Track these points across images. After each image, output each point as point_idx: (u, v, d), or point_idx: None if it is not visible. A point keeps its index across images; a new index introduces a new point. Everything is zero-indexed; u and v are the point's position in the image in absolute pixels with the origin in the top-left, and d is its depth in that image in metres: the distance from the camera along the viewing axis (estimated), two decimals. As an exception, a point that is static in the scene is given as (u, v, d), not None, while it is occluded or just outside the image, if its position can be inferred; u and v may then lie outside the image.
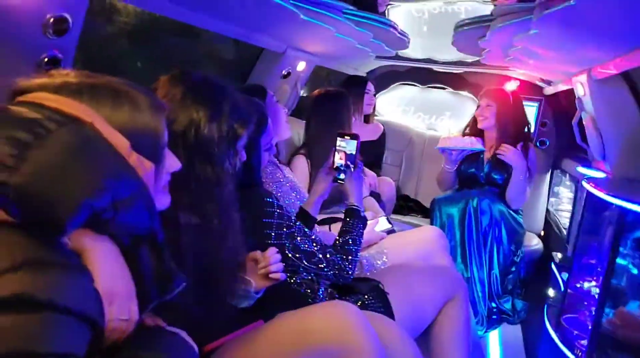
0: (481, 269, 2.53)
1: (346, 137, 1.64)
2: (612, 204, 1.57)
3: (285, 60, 2.43)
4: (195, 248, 1.03)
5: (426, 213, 3.08)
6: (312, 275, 1.42)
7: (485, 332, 2.43)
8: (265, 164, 1.49)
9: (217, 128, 1.02)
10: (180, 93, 1.02)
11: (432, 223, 2.61)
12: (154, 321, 0.89)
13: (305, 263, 1.36)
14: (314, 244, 1.39)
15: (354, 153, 1.62)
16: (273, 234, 1.31)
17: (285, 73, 2.53)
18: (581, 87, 2.05)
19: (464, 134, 2.81)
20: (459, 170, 2.79)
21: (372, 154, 3.08)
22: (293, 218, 1.38)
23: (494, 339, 2.40)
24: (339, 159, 1.64)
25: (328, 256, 1.40)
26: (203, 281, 1.04)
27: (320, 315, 1.09)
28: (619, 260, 1.86)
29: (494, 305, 2.55)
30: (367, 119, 3.15)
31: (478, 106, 2.76)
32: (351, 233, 1.50)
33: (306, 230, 1.40)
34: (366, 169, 2.85)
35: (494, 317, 2.53)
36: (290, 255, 1.34)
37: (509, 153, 2.57)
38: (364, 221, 1.56)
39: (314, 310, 1.12)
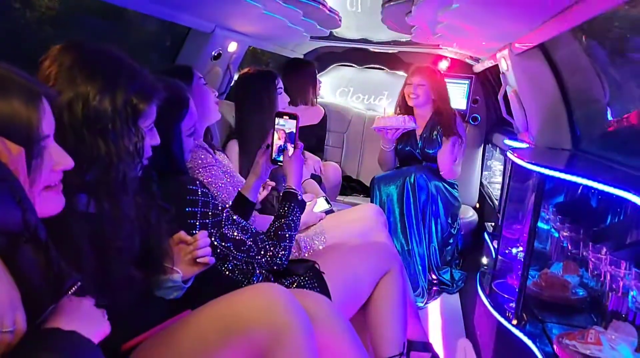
0: (421, 244, 2.61)
1: (285, 117, 1.58)
2: (533, 172, 1.65)
3: (214, 40, 2.33)
4: (94, 236, 0.94)
5: (367, 192, 3.13)
6: (244, 263, 1.38)
7: (426, 303, 2.51)
8: (190, 149, 1.42)
9: (110, 101, 0.93)
10: (69, 63, 0.93)
11: (372, 202, 2.64)
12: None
13: (235, 252, 1.33)
14: (244, 231, 1.35)
15: (293, 131, 1.57)
16: (198, 223, 1.26)
17: (216, 54, 2.43)
18: (504, 62, 2.13)
19: (397, 113, 2.85)
20: (396, 149, 2.85)
21: (314, 137, 3.07)
22: (220, 205, 1.32)
23: (434, 309, 2.49)
24: (277, 140, 1.59)
25: (259, 243, 1.37)
26: (107, 273, 0.96)
27: (245, 298, 1.05)
28: (543, 225, 1.98)
29: (434, 276, 2.65)
30: (309, 102, 3.12)
31: (406, 84, 2.79)
32: (286, 217, 1.46)
33: (235, 217, 1.35)
34: (310, 154, 2.83)
35: (434, 288, 2.63)
36: (217, 244, 1.29)
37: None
38: (301, 205, 1.54)
39: (239, 293, 1.08)
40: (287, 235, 1.43)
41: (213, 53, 2.42)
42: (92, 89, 0.92)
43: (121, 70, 0.98)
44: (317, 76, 3.21)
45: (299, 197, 1.54)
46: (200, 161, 1.73)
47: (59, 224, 0.86)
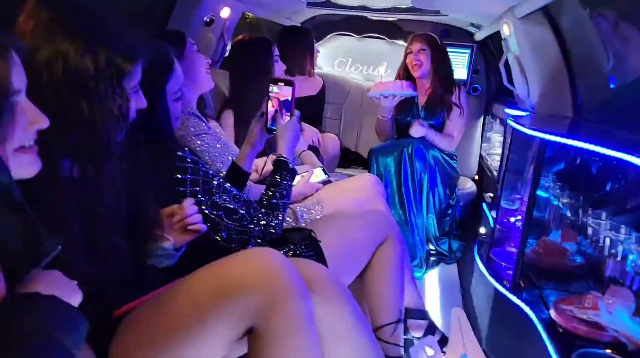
0: (419, 214, 2.59)
1: (280, 83, 1.51)
2: (533, 138, 1.61)
3: (205, 4, 2.25)
4: (78, 202, 0.91)
5: (366, 164, 3.10)
6: (237, 232, 1.36)
7: (424, 273, 2.51)
8: (178, 115, 1.38)
9: (93, 61, 0.87)
10: (47, 18, 0.87)
11: (369, 173, 2.61)
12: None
13: (226, 221, 1.30)
14: (236, 200, 1.32)
15: (289, 99, 1.51)
16: (187, 191, 1.23)
17: (208, 20, 2.36)
18: (506, 28, 2.06)
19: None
20: (395, 119, 2.80)
21: (312, 109, 3.00)
22: (211, 173, 1.29)
23: (432, 279, 2.50)
24: (271, 108, 1.53)
25: (252, 212, 1.34)
26: (94, 242, 0.94)
27: (239, 261, 1.03)
28: (542, 193, 1.96)
29: (432, 247, 2.65)
30: (306, 72, 3.04)
31: (408, 53, 2.72)
32: (278, 186, 1.43)
33: (227, 185, 1.32)
34: (308, 125, 2.78)
35: (432, 258, 2.63)
36: (207, 213, 1.26)
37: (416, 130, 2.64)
38: (292, 173, 1.50)
39: (233, 258, 1.06)
40: (279, 204, 1.40)
41: (205, 19, 2.34)
42: (72, 46, 0.86)
43: (103, 27, 0.93)
44: (315, 45, 3.12)
45: (290, 165, 1.50)
46: (192, 129, 1.69)
47: (42, 190, 0.84)
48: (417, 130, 2.63)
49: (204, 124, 1.78)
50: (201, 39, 2.40)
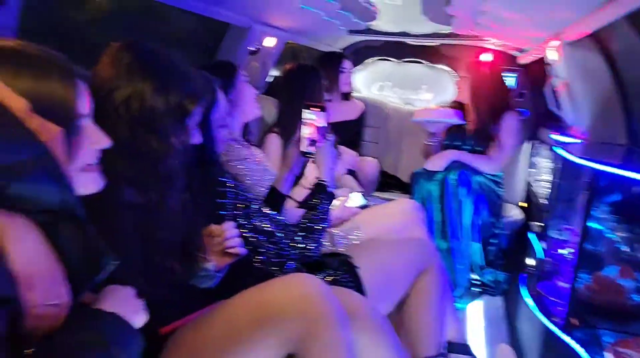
0: (462, 242, 2.51)
1: (313, 108, 1.55)
2: (585, 168, 1.54)
3: (251, 35, 2.34)
4: (139, 226, 0.98)
5: (406, 188, 3.05)
6: (275, 255, 1.38)
7: (466, 304, 2.41)
8: (223, 141, 1.43)
9: (164, 101, 0.97)
10: (127, 61, 0.97)
11: (412, 198, 2.57)
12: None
13: (265, 244, 1.32)
14: (273, 223, 1.34)
15: (323, 125, 1.54)
16: (228, 215, 1.27)
17: (253, 49, 2.44)
18: (553, 53, 2.00)
19: (447, 107, 2.76)
20: (444, 144, 2.75)
21: (351, 132, 3.02)
22: (251, 197, 1.33)
23: (475, 311, 2.39)
24: (306, 132, 1.56)
25: (290, 235, 1.36)
26: (151, 263, 0.99)
27: (279, 287, 1.04)
28: (595, 225, 1.85)
29: (475, 277, 2.55)
30: (347, 97, 3.07)
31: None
32: (316, 209, 1.45)
33: (266, 209, 1.35)
34: (347, 149, 2.79)
35: (475, 289, 2.53)
36: (247, 236, 1.29)
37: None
38: (330, 196, 1.51)
39: (274, 283, 1.07)
40: (317, 228, 1.41)
41: (251, 48, 2.43)
42: (148, 87, 0.96)
43: (175, 71, 1.02)
44: (346, 65, 3.02)
45: (328, 189, 1.51)
46: (234, 154, 1.74)
47: (107, 212, 0.92)
48: (434, 163, 2.56)
49: (246, 150, 1.83)
50: (246, 67, 2.49)
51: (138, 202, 1.00)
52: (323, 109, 1.54)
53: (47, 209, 0.69)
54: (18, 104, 0.66)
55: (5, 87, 0.66)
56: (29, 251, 0.66)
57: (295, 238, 1.37)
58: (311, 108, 1.55)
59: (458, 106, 2.73)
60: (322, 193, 1.48)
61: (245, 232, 1.29)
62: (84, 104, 0.77)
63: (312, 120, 1.54)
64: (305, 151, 1.56)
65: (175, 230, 1.06)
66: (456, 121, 2.64)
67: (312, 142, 1.54)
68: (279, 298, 1.01)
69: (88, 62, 1.01)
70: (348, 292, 1.21)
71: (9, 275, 0.60)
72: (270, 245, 1.33)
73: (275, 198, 1.62)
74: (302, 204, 2.05)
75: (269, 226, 1.33)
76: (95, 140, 0.80)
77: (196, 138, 1.10)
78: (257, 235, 1.32)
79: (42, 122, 0.68)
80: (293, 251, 1.36)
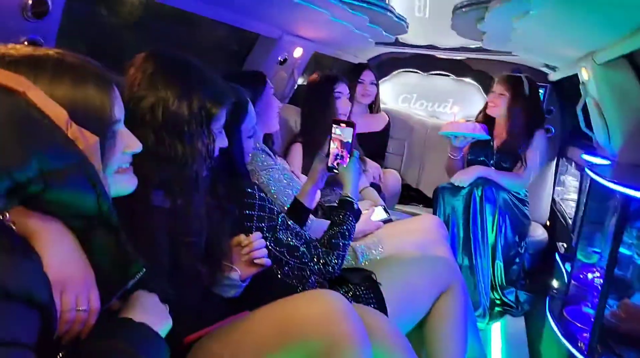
0: (485, 259, 2.47)
1: (342, 124, 1.59)
2: (616, 191, 1.50)
3: (281, 46, 2.38)
4: (166, 229, 1.00)
5: (428, 202, 3.03)
6: (297, 269, 1.39)
7: (488, 324, 2.37)
8: (250, 151, 1.45)
9: (188, 106, 0.99)
10: (151, 70, 1.00)
11: (435, 213, 2.54)
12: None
13: (288, 257, 1.34)
14: (298, 237, 1.36)
15: (349, 141, 1.57)
16: (253, 227, 1.28)
17: (282, 59, 2.48)
18: (585, 72, 1.97)
19: (474, 120, 2.74)
20: (467, 158, 2.73)
21: (376, 144, 3.01)
22: (277, 210, 1.34)
23: (496, 331, 2.35)
24: (334, 148, 1.59)
25: (312, 250, 1.37)
26: (176, 265, 1.01)
27: (303, 303, 1.05)
28: (624, 250, 1.80)
29: (497, 296, 2.50)
30: (372, 108, 3.07)
31: (491, 91, 2.68)
32: (341, 225, 1.45)
33: (289, 222, 1.37)
34: (370, 161, 2.79)
35: (497, 308, 2.48)
36: (271, 248, 1.30)
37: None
38: (357, 213, 1.52)
39: (297, 298, 1.08)
40: (340, 244, 1.42)
41: (279, 58, 2.47)
42: (171, 94, 0.99)
43: (196, 77, 1.04)
44: (372, 79, 3.00)
45: (355, 206, 1.52)
46: (260, 164, 1.77)
47: (137, 216, 0.95)
48: (461, 178, 2.52)
49: (271, 159, 1.86)
50: (274, 77, 2.53)
51: (165, 206, 1.03)
52: (352, 125, 1.57)
53: (82, 215, 0.71)
54: (58, 113, 0.68)
55: (45, 96, 0.68)
56: (62, 256, 0.68)
57: (319, 253, 1.37)
58: (340, 124, 1.58)
59: (483, 120, 2.70)
60: (348, 210, 1.48)
61: (269, 244, 1.30)
62: (119, 110, 0.79)
63: (340, 136, 1.57)
64: (331, 166, 1.59)
65: (201, 234, 1.08)
66: (482, 136, 2.61)
67: (340, 157, 1.57)
68: (303, 314, 1.02)
69: (122, 67, 1.05)
70: (370, 310, 1.22)
71: (45, 280, 0.61)
72: (292, 259, 1.34)
73: (299, 210, 1.64)
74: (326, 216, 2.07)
75: (292, 240, 1.34)
76: (128, 144, 0.82)
77: (222, 142, 1.12)
78: (280, 248, 1.33)
79: (80, 130, 0.69)
80: (315, 267, 1.37)
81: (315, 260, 1.37)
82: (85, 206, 0.70)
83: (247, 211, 1.29)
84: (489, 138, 2.65)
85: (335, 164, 1.58)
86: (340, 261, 1.41)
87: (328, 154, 1.59)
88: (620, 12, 1.26)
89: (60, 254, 0.67)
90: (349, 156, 1.57)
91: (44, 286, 0.60)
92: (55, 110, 0.67)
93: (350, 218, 1.48)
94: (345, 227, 1.45)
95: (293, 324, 1.01)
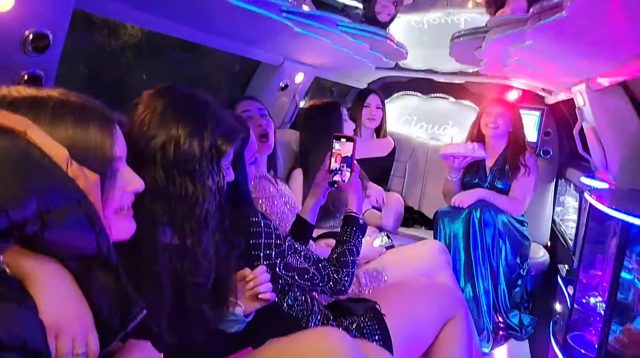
0: (487, 283, 2.46)
1: (342, 139, 1.57)
2: (615, 217, 1.52)
3: (282, 72, 2.42)
4: (172, 269, 0.99)
5: (430, 224, 3.03)
6: (307, 294, 1.38)
7: (492, 349, 2.36)
8: (251, 178, 1.46)
9: (199, 144, 0.99)
10: (161, 107, 0.99)
11: (435, 237, 2.55)
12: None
13: (299, 281, 1.32)
14: (306, 259, 1.35)
15: (350, 155, 1.56)
16: (261, 255, 1.28)
17: (283, 85, 2.53)
18: (580, 97, 2.01)
19: (466, 140, 2.77)
20: (462, 181, 2.75)
21: (380, 169, 3.01)
22: (282, 235, 1.34)
23: (500, 356, 2.33)
24: (334, 163, 1.58)
25: (322, 270, 1.36)
26: (181, 305, 1.00)
27: (308, 341, 1.05)
28: (626, 275, 1.80)
29: (500, 319, 2.49)
30: (378, 133, 3.08)
31: (484, 113, 2.72)
32: (348, 242, 1.45)
33: (297, 245, 1.36)
34: (372, 184, 2.79)
35: (501, 332, 2.46)
36: (282, 274, 1.30)
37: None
38: (362, 228, 1.51)
39: (303, 336, 1.08)
40: (349, 260, 1.41)
41: (281, 84, 2.51)
42: (182, 132, 0.98)
43: (208, 114, 1.04)
44: (378, 104, 3.01)
45: (360, 221, 1.52)
46: (263, 192, 1.78)
47: (143, 253, 0.93)
48: (461, 200, 2.54)
49: (273, 186, 1.88)
50: (275, 102, 2.57)
51: (174, 243, 1.01)
52: (351, 140, 1.57)
53: (81, 256, 0.68)
54: (59, 153, 0.67)
55: (45, 135, 0.67)
56: (58, 298, 0.65)
57: (328, 272, 1.37)
58: (340, 139, 1.58)
59: (477, 141, 2.73)
60: (354, 226, 1.48)
61: (278, 271, 1.29)
62: (120, 148, 0.78)
63: (340, 151, 1.57)
64: (332, 181, 1.59)
65: (209, 275, 1.06)
66: (481, 155, 2.64)
67: (340, 172, 1.56)
68: (306, 352, 1.02)
69: (128, 97, 1.04)
70: (374, 348, 1.21)
71: (40, 325, 0.59)
72: (303, 281, 1.33)
73: (302, 226, 1.62)
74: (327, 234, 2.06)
75: (301, 262, 1.33)
76: (129, 182, 0.80)
77: (230, 176, 1.12)
78: (291, 272, 1.31)
79: (80, 168, 0.69)
80: (326, 286, 1.36)
81: (326, 280, 1.36)
82: (85, 246, 0.68)
83: (254, 241, 1.28)
84: (488, 157, 2.68)
85: (336, 178, 1.57)
86: (350, 278, 1.40)
87: (328, 169, 1.59)
88: (614, 44, 1.30)
89: (56, 296, 0.65)
90: (349, 170, 1.57)
91: (39, 333, 0.59)
92: (55, 149, 0.67)
93: (357, 233, 1.48)
94: (352, 243, 1.45)
95: None
